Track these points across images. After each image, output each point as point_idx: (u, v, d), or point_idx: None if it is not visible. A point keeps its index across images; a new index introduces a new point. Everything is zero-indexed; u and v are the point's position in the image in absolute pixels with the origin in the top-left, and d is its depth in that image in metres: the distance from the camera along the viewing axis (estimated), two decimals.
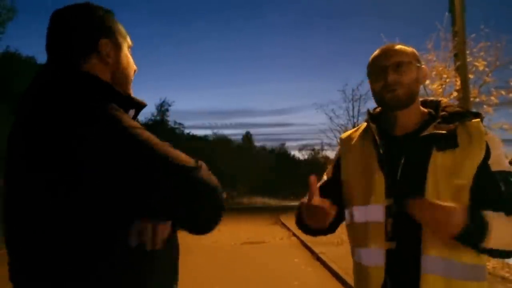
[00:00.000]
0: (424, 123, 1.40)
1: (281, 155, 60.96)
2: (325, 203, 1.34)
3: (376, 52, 1.45)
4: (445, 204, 1.18)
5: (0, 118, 12.89)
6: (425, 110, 1.46)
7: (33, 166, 0.94)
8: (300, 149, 62.25)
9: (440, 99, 1.53)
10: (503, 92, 9.14)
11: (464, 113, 1.40)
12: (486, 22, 9.45)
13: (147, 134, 0.98)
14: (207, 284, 6.56)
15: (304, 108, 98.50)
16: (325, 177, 1.65)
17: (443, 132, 1.33)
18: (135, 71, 1.19)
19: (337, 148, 1.65)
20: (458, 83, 8.11)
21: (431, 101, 1.52)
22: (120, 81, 1.12)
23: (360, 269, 1.45)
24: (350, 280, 6.19)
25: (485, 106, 9.17)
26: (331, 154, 22.72)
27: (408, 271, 1.31)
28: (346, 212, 1.51)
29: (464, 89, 7.57)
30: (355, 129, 1.63)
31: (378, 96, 1.43)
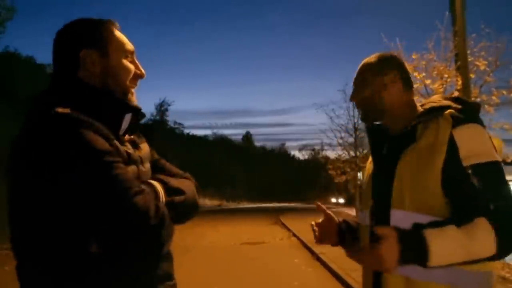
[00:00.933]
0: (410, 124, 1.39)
1: (281, 155, 60.98)
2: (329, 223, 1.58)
3: None
4: (374, 248, 1.15)
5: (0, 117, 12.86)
6: (420, 109, 1.42)
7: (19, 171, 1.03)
8: (300, 149, 62.32)
9: (433, 97, 1.49)
10: (504, 92, 9.14)
11: (436, 108, 1.34)
12: (487, 21, 9.42)
13: (104, 157, 1.01)
14: (206, 284, 6.54)
15: (304, 108, 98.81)
16: None
17: (408, 130, 1.33)
18: (140, 75, 1.22)
19: None
20: (459, 82, 8.09)
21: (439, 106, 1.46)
22: (113, 88, 1.15)
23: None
24: (350, 280, 6.17)
25: (486, 106, 9.15)
26: (331, 154, 22.76)
27: (379, 273, 1.34)
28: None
29: (465, 89, 7.56)
30: None
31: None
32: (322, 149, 32.01)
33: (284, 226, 16.01)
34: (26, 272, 1.05)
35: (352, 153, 20.36)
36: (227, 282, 6.78)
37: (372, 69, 1.43)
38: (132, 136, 1.23)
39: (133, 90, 1.21)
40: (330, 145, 22.28)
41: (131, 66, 1.19)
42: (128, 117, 1.16)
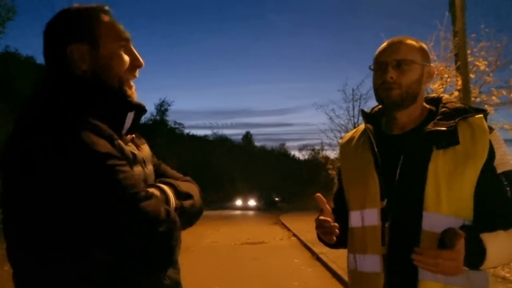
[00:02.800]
0: (424, 121, 1.34)
1: (281, 155, 60.99)
2: (330, 218, 1.35)
3: (383, 45, 1.37)
4: (445, 251, 1.12)
5: None
6: (427, 107, 1.39)
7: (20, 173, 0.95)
8: (300, 149, 62.29)
9: (441, 95, 1.46)
10: (504, 92, 9.13)
11: (466, 109, 1.32)
12: (487, 21, 9.42)
13: (107, 162, 0.94)
14: (207, 284, 6.54)
15: (304, 108, 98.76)
16: (334, 188, 1.61)
17: (443, 129, 1.25)
18: (138, 66, 1.12)
19: (338, 157, 1.64)
20: (459, 82, 8.09)
21: (432, 98, 1.45)
22: (105, 82, 1.05)
23: (356, 276, 1.39)
24: None
25: (486, 106, 9.15)
26: (331, 154, 22.75)
27: (406, 278, 1.23)
28: (349, 217, 1.45)
29: (465, 89, 7.55)
30: (353, 131, 1.57)
31: (376, 93, 1.37)
32: (322, 149, 31.98)
33: (284, 226, 16.01)
34: (23, 281, 0.99)
35: None
36: (227, 282, 6.78)
37: (422, 55, 1.34)
38: (133, 135, 1.16)
39: (131, 82, 1.11)
40: (330, 145, 22.21)
41: (126, 57, 1.09)
42: (131, 115, 1.08)
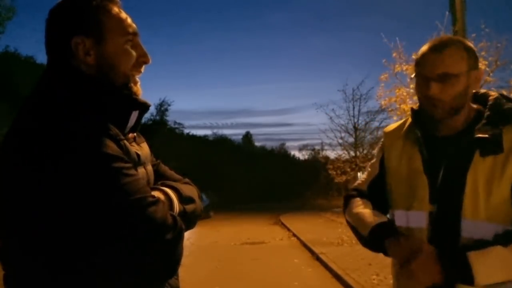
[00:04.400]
0: (471, 123, 1.30)
1: (281, 155, 60.99)
2: None
3: (425, 49, 1.29)
4: (421, 259, 1.17)
5: None
6: (474, 106, 1.35)
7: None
8: (300, 149, 62.28)
9: (488, 92, 1.39)
10: (504, 92, 9.11)
11: (505, 111, 1.27)
12: (487, 21, 9.42)
13: (114, 165, 0.91)
14: (207, 284, 6.54)
15: (304, 108, 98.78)
16: (370, 169, 1.55)
17: (486, 136, 1.22)
18: (145, 62, 1.07)
19: (381, 141, 1.55)
20: None
21: (482, 94, 1.39)
22: (111, 79, 1.01)
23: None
24: (350, 280, 6.17)
25: None
26: (331, 154, 22.76)
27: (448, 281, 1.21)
28: (390, 214, 1.45)
29: None
30: (399, 123, 1.51)
31: (421, 105, 1.35)
32: (322, 149, 32.02)
33: (284, 226, 16.00)
34: (17, 283, 0.94)
35: (352, 153, 20.35)
36: (227, 282, 6.78)
37: (469, 61, 1.26)
38: (135, 134, 1.12)
39: (137, 78, 1.07)
40: (330, 145, 22.25)
41: (132, 52, 1.03)
42: (135, 114, 1.04)
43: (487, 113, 1.29)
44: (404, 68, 9.65)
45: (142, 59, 1.06)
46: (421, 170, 1.32)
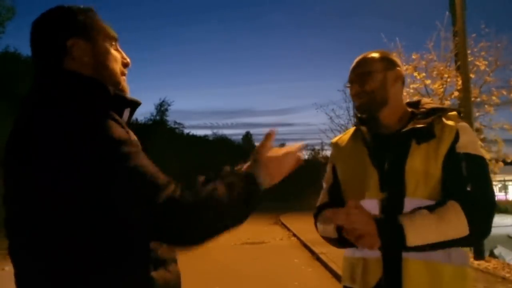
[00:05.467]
0: (407, 121, 1.50)
1: None
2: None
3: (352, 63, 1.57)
4: (359, 213, 1.32)
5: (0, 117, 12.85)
6: (409, 110, 1.56)
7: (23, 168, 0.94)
8: (301, 149, 62.07)
9: (421, 98, 1.65)
10: (504, 92, 9.13)
11: (441, 108, 1.51)
12: (487, 21, 9.43)
13: (127, 149, 0.93)
14: (207, 284, 6.54)
15: (305, 108, 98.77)
16: (325, 184, 1.70)
17: (421, 125, 1.43)
18: (126, 64, 1.16)
19: (330, 152, 1.75)
20: (459, 82, 8.09)
21: (414, 102, 1.62)
22: (105, 78, 1.07)
23: (354, 261, 1.50)
24: None
25: (486, 106, 9.16)
26: None
27: (394, 257, 1.38)
28: None
29: (465, 89, 7.56)
30: (343, 133, 1.73)
31: (356, 110, 1.58)
32: (322, 149, 32.02)
33: (284, 226, 16.00)
34: (26, 278, 0.97)
35: None
36: (227, 282, 6.78)
37: (383, 62, 1.51)
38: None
39: (124, 77, 1.15)
40: (330, 145, 22.19)
41: (117, 54, 1.13)
42: (127, 112, 1.09)
43: (421, 109, 1.52)
44: (404, 68, 9.63)
45: (124, 61, 1.15)
46: (370, 163, 1.49)
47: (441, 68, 9.19)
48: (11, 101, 16.39)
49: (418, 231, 1.30)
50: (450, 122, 1.44)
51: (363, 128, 1.56)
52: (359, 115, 1.61)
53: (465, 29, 7.76)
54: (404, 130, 1.45)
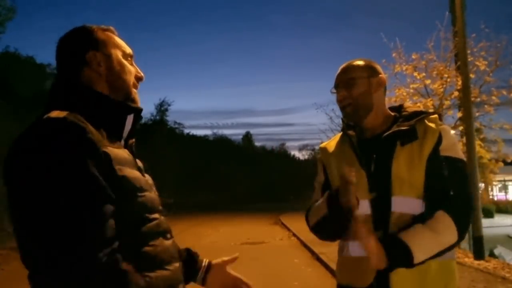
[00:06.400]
0: (390, 125, 1.58)
1: (281, 155, 60.95)
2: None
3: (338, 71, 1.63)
4: (371, 242, 1.35)
5: None
6: (392, 114, 1.63)
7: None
8: (301, 149, 62.29)
9: (402, 103, 1.73)
10: (504, 92, 9.14)
11: (422, 112, 1.58)
12: (487, 21, 9.44)
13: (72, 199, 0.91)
14: None
15: (305, 108, 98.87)
16: (317, 184, 1.76)
17: (404, 128, 1.50)
18: (140, 78, 1.26)
19: (319, 156, 1.83)
20: (459, 82, 8.09)
21: (396, 106, 1.69)
22: (118, 87, 1.18)
23: (347, 261, 1.57)
24: None
25: (486, 106, 9.17)
26: None
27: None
28: None
29: (465, 88, 7.55)
30: (331, 139, 1.80)
31: (342, 115, 1.64)
32: None
33: (284, 226, 16.01)
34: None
35: None
36: None
37: (367, 70, 1.59)
38: (133, 140, 1.23)
39: (136, 90, 1.25)
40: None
41: (132, 68, 1.24)
42: (130, 118, 1.18)
43: (403, 113, 1.60)
44: (404, 68, 9.65)
45: (138, 75, 1.25)
46: (358, 165, 1.54)
47: (441, 68, 9.20)
48: (11, 101, 16.40)
49: (421, 248, 1.37)
50: (432, 125, 1.51)
51: (350, 132, 1.62)
52: (345, 121, 1.67)
53: (465, 29, 7.76)
54: (388, 132, 1.52)
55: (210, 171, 41.35)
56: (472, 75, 8.60)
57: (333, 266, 7.19)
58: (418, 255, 1.36)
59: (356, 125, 1.62)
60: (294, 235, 12.65)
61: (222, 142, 52.43)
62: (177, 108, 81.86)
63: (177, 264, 1.17)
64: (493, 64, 9.31)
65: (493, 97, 9.12)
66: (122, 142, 1.17)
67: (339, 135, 1.76)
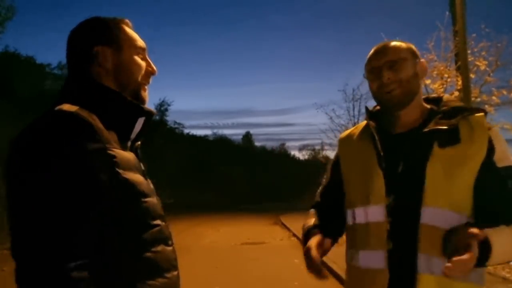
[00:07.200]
0: (426, 120, 1.36)
1: (281, 155, 60.92)
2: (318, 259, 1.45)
3: (370, 52, 1.41)
4: (466, 257, 1.09)
5: None
6: (427, 106, 1.42)
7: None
8: (301, 149, 62.25)
9: (442, 95, 1.48)
10: (504, 92, 9.14)
11: (466, 108, 1.36)
12: (487, 21, 9.44)
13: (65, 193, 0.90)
14: (207, 284, 6.54)
15: (305, 108, 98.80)
16: (324, 180, 1.62)
17: (444, 127, 1.28)
18: (151, 72, 1.21)
19: (336, 148, 1.62)
20: (459, 82, 8.08)
21: (433, 97, 1.48)
22: (125, 84, 1.14)
23: (358, 272, 1.40)
24: None
25: (486, 106, 9.15)
26: (332, 154, 22.79)
27: (406, 272, 1.24)
28: (347, 213, 1.46)
29: (466, 88, 7.55)
30: (354, 127, 1.58)
31: (376, 97, 1.40)
32: (322, 149, 32.02)
33: (284, 226, 15.99)
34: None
35: None
36: (228, 282, 6.78)
37: (412, 53, 1.39)
38: (139, 143, 1.20)
39: (146, 87, 1.20)
40: (330, 145, 22.24)
41: (143, 63, 1.18)
42: (141, 121, 1.14)
43: (443, 108, 1.36)
44: None
45: (150, 70, 1.20)
46: (376, 164, 1.35)
47: (441, 68, 9.20)
48: (11, 101, 16.39)
49: (501, 252, 1.17)
50: (479, 126, 1.29)
51: (373, 124, 1.41)
52: (370, 109, 1.49)
53: (465, 29, 7.75)
54: (425, 130, 1.30)
55: (210, 171, 41.32)
56: (472, 75, 8.60)
57: (333, 266, 7.19)
58: (494, 258, 1.16)
59: (392, 114, 1.39)
60: (294, 235, 12.63)
61: (222, 142, 52.39)
62: (177, 108, 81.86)
63: (175, 272, 1.13)
64: (493, 64, 9.32)
65: (494, 97, 9.12)
66: (129, 143, 1.14)
67: (363, 123, 1.53)
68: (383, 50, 1.37)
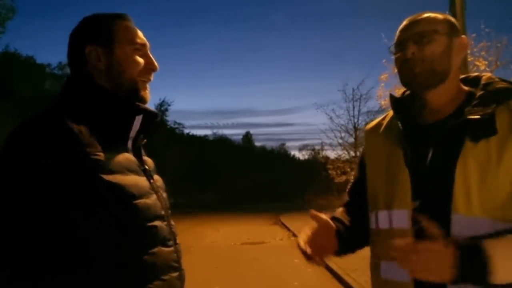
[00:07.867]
0: (462, 106, 1.15)
1: (281, 155, 60.95)
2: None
3: (402, 23, 1.22)
4: (431, 244, 0.97)
5: None
6: (465, 88, 1.20)
7: None
8: (301, 149, 62.28)
9: (482, 74, 1.25)
10: None
11: (508, 89, 1.12)
12: (487, 21, 9.44)
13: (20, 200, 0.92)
14: (207, 284, 6.53)
15: (305, 108, 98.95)
16: (353, 179, 1.45)
17: (477, 117, 1.07)
18: (151, 69, 1.16)
19: (364, 141, 1.43)
20: None
21: (473, 77, 1.25)
22: (120, 83, 1.10)
23: (382, 284, 1.22)
24: (350, 280, 6.16)
25: None
26: (331, 154, 22.76)
27: (433, 285, 1.02)
28: (371, 216, 1.28)
29: None
30: (382, 117, 1.37)
31: (399, 75, 1.21)
32: (322, 149, 32.01)
33: (284, 226, 16.00)
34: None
35: (352, 153, 20.37)
36: (228, 282, 6.78)
37: (448, 26, 1.17)
38: (145, 140, 1.18)
39: (146, 84, 1.16)
40: (330, 145, 22.30)
41: (140, 59, 1.13)
42: (138, 119, 1.10)
43: (479, 92, 1.14)
44: None
45: (150, 66, 1.15)
46: (402, 163, 1.16)
47: None
48: (11, 101, 16.41)
49: (507, 264, 0.96)
50: None
51: (398, 116, 1.23)
52: (396, 96, 1.30)
53: (465, 29, 7.75)
54: (455, 121, 1.11)
55: (210, 171, 41.33)
56: None
57: (333, 266, 7.19)
58: (501, 272, 0.95)
59: (419, 98, 1.20)
60: (294, 235, 12.63)
61: (222, 142, 52.42)
62: (177, 108, 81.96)
63: (174, 274, 1.09)
64: (493, 64, 9.32)
65: None
66: (130, 142, 1.11)
67: (386, 115, 1.35)
68: (413, 21, 1.18)
